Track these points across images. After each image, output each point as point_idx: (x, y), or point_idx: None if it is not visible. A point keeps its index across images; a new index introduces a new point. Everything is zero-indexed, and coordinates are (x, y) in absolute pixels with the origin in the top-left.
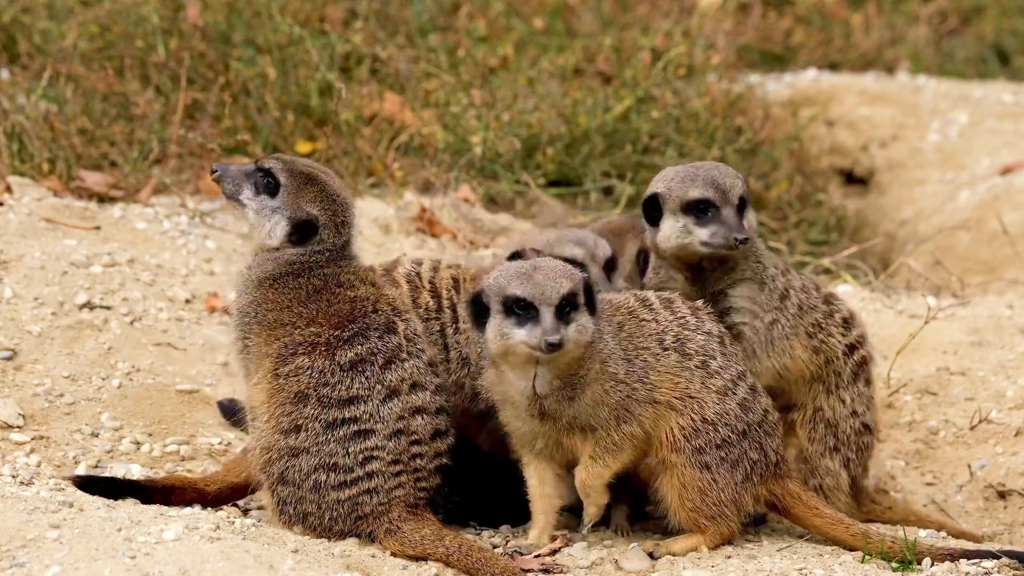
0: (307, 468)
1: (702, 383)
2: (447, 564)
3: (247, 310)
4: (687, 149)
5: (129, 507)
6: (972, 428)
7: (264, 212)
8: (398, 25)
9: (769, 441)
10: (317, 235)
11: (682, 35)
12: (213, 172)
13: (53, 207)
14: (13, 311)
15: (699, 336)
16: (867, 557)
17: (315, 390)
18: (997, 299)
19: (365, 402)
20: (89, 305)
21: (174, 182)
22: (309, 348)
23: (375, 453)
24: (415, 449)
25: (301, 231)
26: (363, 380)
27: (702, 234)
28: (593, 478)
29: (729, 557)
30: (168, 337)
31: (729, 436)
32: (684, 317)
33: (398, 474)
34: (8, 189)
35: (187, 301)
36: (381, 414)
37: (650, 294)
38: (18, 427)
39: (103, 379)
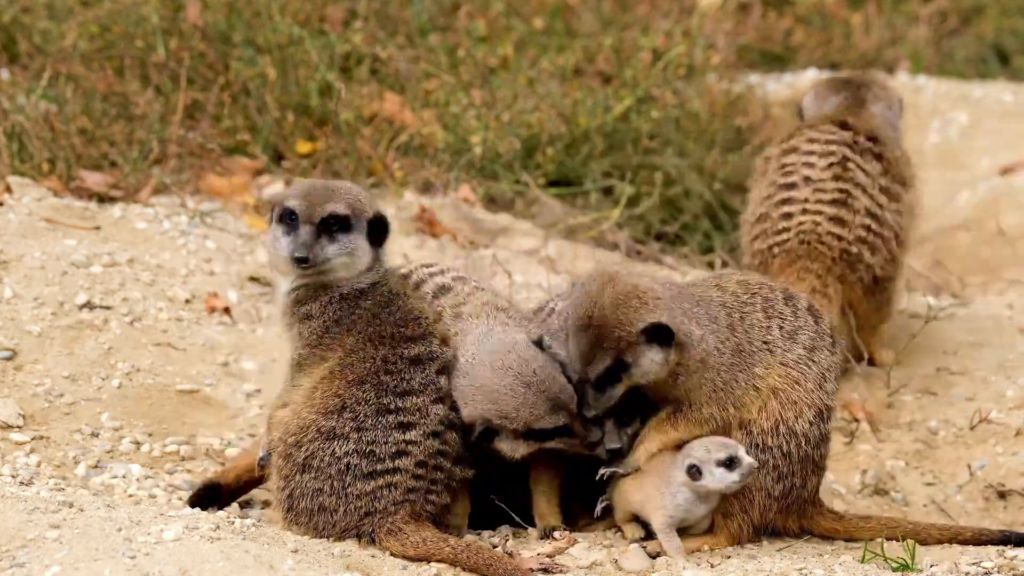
0: (340, 452)
1: (807, 394)
2: (453, 564)
3: (331, 321)
4: (687, 149)
5: (129, 507)
6: (972, 428)
7: (351, 250)
8: (398, 25)
9: (814, 477)
10: (388, 231)
11: (682, 35)
12: (306, 263)
13: (53, 207)
14: (13, 311)
15: (830, 355)
16: (867, 557)
17: (374, 376)
18: (997, 299)
19: (418, 396)
20: (89, 305)
21: (174, 182)
22: (377, 341)
23: (409, 448)
24: (442, 461)
25: (378, 232)
26: (422, 377)
27: None
28: (660, 433)
29: (729, 557)
30: (168, 337)
31: (793, 454)
32: (824, 333)
33: (418, 478)
34: (8, 189)
35: (187, 301)
36: (428, 412)
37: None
38: (18, 427)
39: (103, 379)
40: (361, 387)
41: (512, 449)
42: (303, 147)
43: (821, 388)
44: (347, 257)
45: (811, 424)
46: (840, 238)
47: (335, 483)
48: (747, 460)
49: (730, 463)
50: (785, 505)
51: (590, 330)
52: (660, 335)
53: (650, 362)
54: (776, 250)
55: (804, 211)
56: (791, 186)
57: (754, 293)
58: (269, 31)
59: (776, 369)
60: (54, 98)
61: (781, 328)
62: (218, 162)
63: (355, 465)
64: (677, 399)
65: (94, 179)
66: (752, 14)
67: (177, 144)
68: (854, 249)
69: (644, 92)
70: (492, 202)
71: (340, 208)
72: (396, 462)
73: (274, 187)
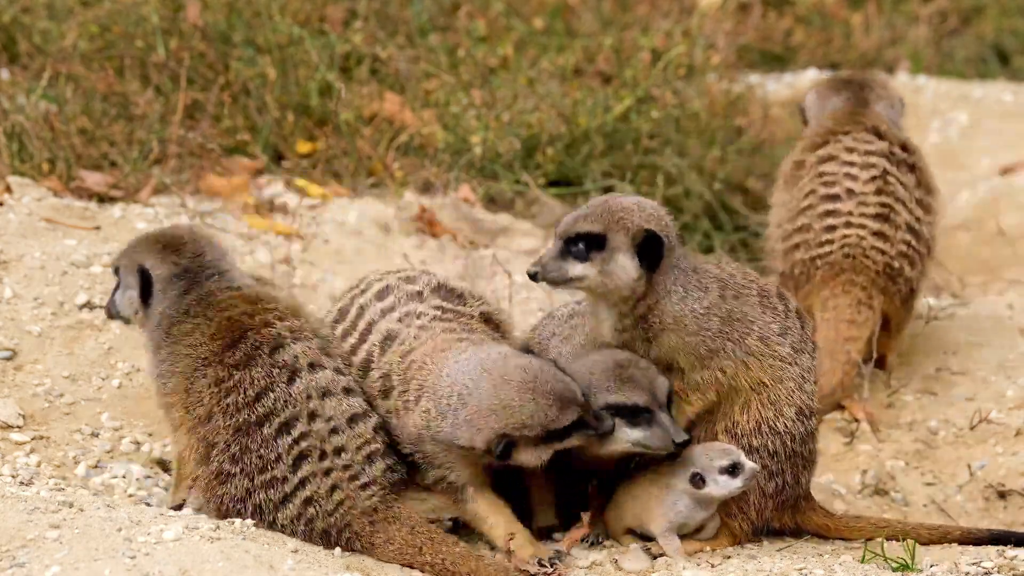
0: (240, 492)
1: (788, 393)
2: (435, 571)
3: (160, 369)
4: (687, 149)
5: (129, 507)
6: (972, 428)
7: (126, 301)
8: (398, 25)
9: (805, 473)
10: (153, 283)
11: (682, 35)
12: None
13: (53, 207)
14: (13, 311)
15: (810, 359)
16: (867, 557)
17: (219, 402)
18: (997, 299)
19: (272, 390)
20: (89, 305)
21: (174, 182)
22: (203, 367)
23: (303, 445)
24: (336, 440)
25: (144, 286)
26: (259, 369)
27: None
28: (680, 413)
29: (729, 557)
30: None
31: (779, 452)
32: (807, 338)
33: (328, 472)
34: (8, 189)
35: None
36: (292, 395)
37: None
38: (18, 427)
39: (103, 379)
40: (210, 419)
41: (534, 458)
42: (303, 147)
43: (801, 389)
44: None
45: (793, 422)
46: (883, 252)
47: (265, 523)
48: (749, 465)
49: (733, 469)
50: (780, 502)
51: (599, 204)
52: (649, 248)
53: (622, 264)
54: (819, 262)
55: (848, 224)
56: (834, 198)
57: (752, 281)
58: (269, 31)
59: (768, 360)
60: (54, 98)
61: (774, 322)
62: (218, 162)
63: (263, 499)
64: (668, 368)
65: (94, 179)
66: (752, 14)
67: (177, 144)
68: (896, 264)
69: (644, 92)
70: (492, 202)
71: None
72: (299, 473)
73: (274, 187)
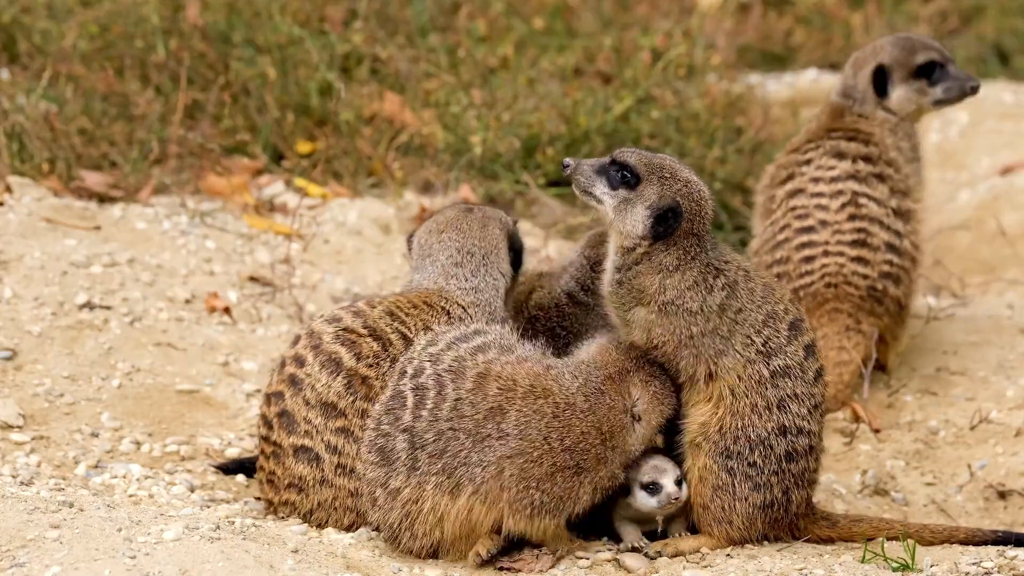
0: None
1: (767, 408)
2: None
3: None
4: (687, 149)
5: (129, 507)
6: (972, 428)
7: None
8: (398, 25)
9: (796, 491)
10: None
11: (682, 35)
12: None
13: (53, 207)
14: (13, 311)
15: (806, 386)
16: (867, 557)
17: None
18: (997, 299)
19: None
20: (89, 305)
21: (174, 182)
22: None
23: None
24: None
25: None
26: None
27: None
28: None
29: (729, 556)
30: (168, 337)
31: (759, 464)
32: (809, 369)
33: None
34: (8, 189)
35: (187, 301)
36: None
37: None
38: (18, 427)
39: (103, 379)
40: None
41: None
42: (303, 147)
43: (781, 409)
44: None
45: (774, 437)
46: (865, 276)
47: None
48: (669, 489)
49: (652, 488)
50: (771, 518)
51: (663, 157)
52: (666, 219)
53: (636, 216)
54: (802, 293)
55: (826, 253)
56: (808, 229)
57: (769, 301)
58: (269, 31)
59: (735, 374)
60: (54, 98)
61: (765, 344)
62: (218, 162)
63: None
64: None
65: (94, 179)
66: (752, 14)
67: (177, 144)
68: (879, 286)
69: (644, 92)
70: (492, 202)
71: None
72: None
73: (274, 187)
